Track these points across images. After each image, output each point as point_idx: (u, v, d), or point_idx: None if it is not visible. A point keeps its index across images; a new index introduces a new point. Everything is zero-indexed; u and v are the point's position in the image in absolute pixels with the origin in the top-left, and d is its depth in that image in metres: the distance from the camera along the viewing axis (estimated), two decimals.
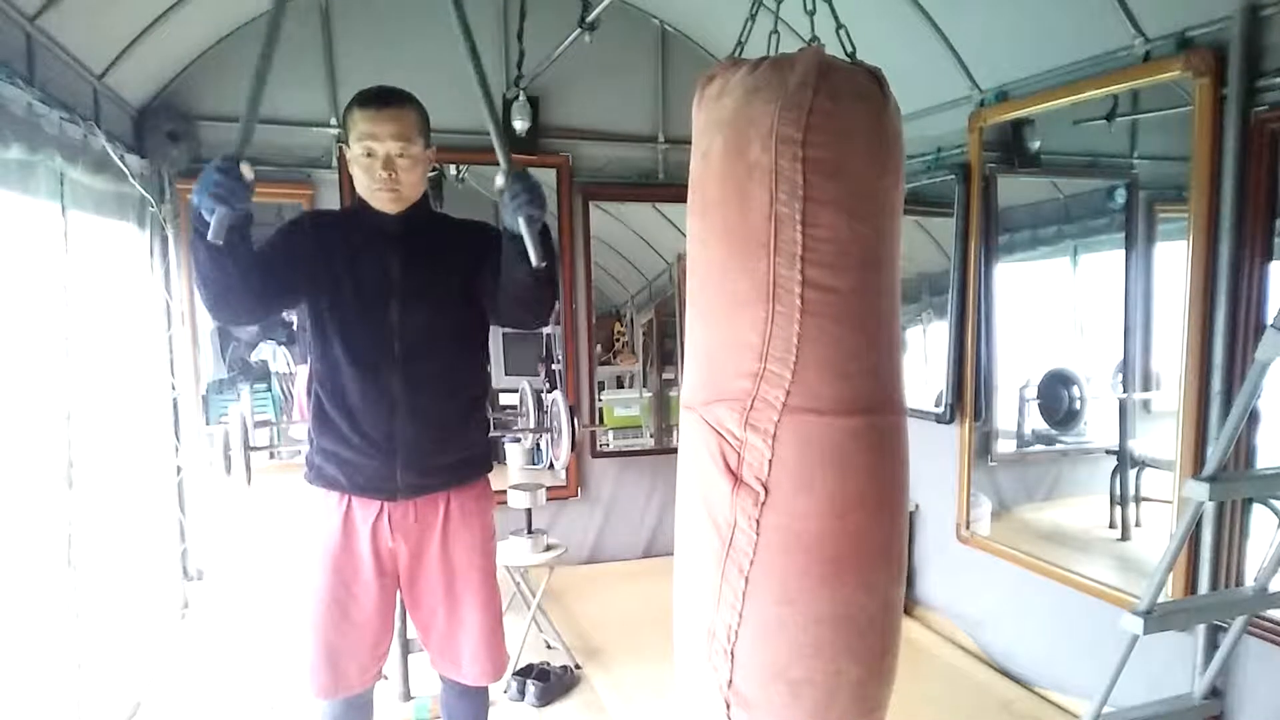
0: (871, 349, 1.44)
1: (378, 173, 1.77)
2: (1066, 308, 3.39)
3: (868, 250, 1.42)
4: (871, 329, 1.44)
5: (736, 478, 1.42)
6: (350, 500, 1.87)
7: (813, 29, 1.51)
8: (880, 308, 1.45)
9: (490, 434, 2.21)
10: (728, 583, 1.44)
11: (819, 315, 1.38)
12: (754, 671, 1.45)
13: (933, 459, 3.40)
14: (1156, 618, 1.83)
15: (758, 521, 1.41)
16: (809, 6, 1.54)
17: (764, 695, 1.45)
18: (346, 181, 3.21)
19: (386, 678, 2.56)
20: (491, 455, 2.06)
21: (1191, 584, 2.32)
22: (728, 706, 1.47)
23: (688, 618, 1.55)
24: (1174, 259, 2.43)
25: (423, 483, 1.88)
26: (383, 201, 1.81)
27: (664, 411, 4.44)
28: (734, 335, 1.43)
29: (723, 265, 1.45)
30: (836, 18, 1.57)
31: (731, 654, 1.45)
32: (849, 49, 1.55)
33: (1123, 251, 3.02)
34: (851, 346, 1.41)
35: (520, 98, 3.82)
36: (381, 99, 1.79)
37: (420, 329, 1.83)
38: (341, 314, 1.83)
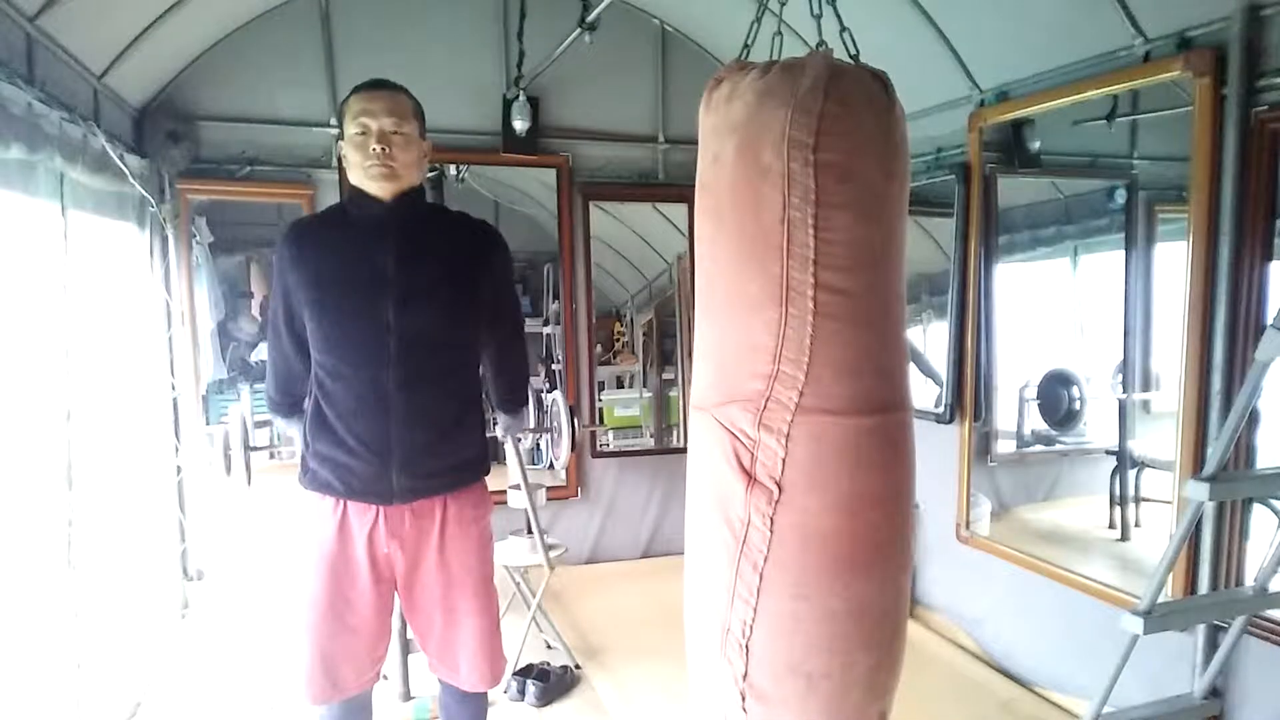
0: (882, 349, 1.46)
1: (371, 147, 1.75)
2: (1066, 308, 3.39)
3: (877, 252, 1.44)
4: (881, 329, 1.46)
5: (750, 477, 1.45)
6: (346, 505, 1.85)
7: (819, 33, 1.53)
8: (890, 307, 1.47)
9: (488, 435, 2.20)
10: (742, 579, 1.47)
11: (831, 317, 1.40)
12: (769, 665, 1.47)
13: (933, 459, 3.39)
14: (1156, 618, 1.84)
15: (772, 519, 1.43)
16: (815, 10, 1.55)
17: (779, 688, 1.48)
18: (346, 182, 3.22)
19: (386, 678, 2.55)
20: (489, 457, 2.03)
21: (1191, 584, 2.32)
22: (743, 698, 1.50)
23: (701, 613, 1.57)
24: (1174, 259, 2.42)
25: (419, 486, 1.85)
26: (376, 180, 1.78)
27: (664, 411, 4.44)
28: (747, 337, 1.45)
29: (735, 268, 1.47)
30: (841, 21, 1.59)
31: (746, 648, 1.48)
32: (853, 52, 1.57)
33: (1123, 252, 3.02)
34: (863, 347, 1.44)
35: (520, 98, 3.82)
36: (377, 83, 1.82)
37: (417, 328, 1.81)
38: (336, 315, 1.81)
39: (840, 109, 1.38)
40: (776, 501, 1.43)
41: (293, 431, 2.05)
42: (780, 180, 1.38)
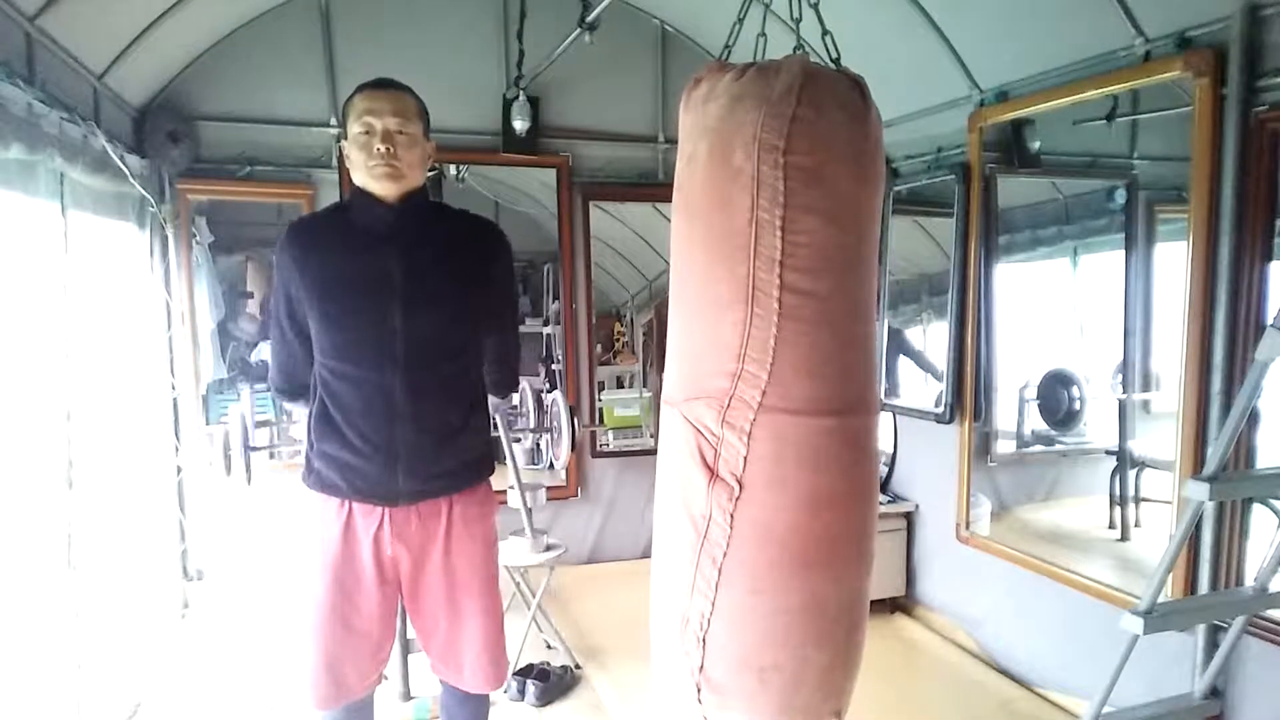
0: (846, 351, 1.47)
1: (376, 147, 1.74)
2: (1066, 308, 3.39)
3: (846, 256, 1.46)
4: (846, 332, 1.47)
5: (713, 473, 1.47)
6: (351, 507, 1.84)
7: (798, 37, 1.54)
8: (856, 311, 1.48)
9: (492, 435, 2.20)
10: (701, 573, 1.49)
11: (796, 318, 1.41)
12: (724, 658, 1.50)
13: (933, 459, 3.41)
14: (1156, 618, 1.84)
15: (732, 515, 1.46)
16: (795, 13, 1.56)
17: (734, 680, 1.50)
18: (346, 182, 3.21)
19: (387, 678, 2.56)
20: (494, 458, 2.03)
21: (1191, 584, 2.33)
22: (699, 690, 1.52)
23: (663, 605, 1.59)
24: (1174, 259, 2.43)
25: (424, 488, 1.85)
26: (380, 180, 1.77)
27: None
28: (714, 335, 1.47)
29: (705, 267, 1.48)
30: (823, 23, 1.59)
31: (704, 640, 1.50)
32: (834, 55, 1.57)
33: (1123, 252, 3.02)
34: (827, 349, 1.45)
35: (520, 98, 3.81)
36: (382, 83, 1.81)
37: (423, 331, 1.80)
38: (343, 318, 1.80)
39: (813, 113, 1.38)
40: (737, 498, 1.45)
41: (301, 412, 2.02)
42: (750, 182, 1.39)
